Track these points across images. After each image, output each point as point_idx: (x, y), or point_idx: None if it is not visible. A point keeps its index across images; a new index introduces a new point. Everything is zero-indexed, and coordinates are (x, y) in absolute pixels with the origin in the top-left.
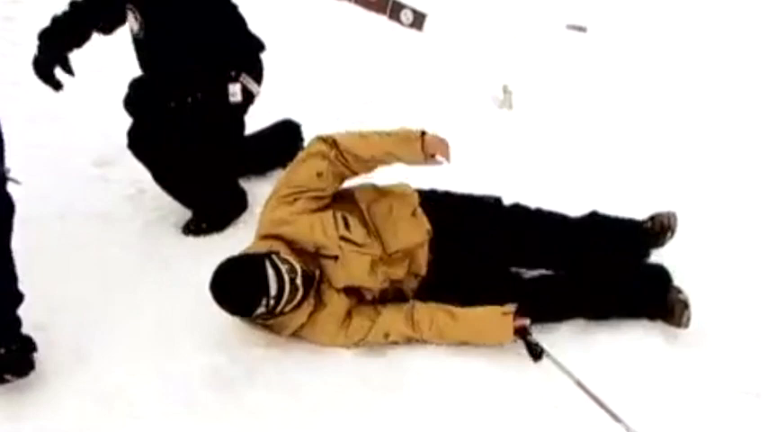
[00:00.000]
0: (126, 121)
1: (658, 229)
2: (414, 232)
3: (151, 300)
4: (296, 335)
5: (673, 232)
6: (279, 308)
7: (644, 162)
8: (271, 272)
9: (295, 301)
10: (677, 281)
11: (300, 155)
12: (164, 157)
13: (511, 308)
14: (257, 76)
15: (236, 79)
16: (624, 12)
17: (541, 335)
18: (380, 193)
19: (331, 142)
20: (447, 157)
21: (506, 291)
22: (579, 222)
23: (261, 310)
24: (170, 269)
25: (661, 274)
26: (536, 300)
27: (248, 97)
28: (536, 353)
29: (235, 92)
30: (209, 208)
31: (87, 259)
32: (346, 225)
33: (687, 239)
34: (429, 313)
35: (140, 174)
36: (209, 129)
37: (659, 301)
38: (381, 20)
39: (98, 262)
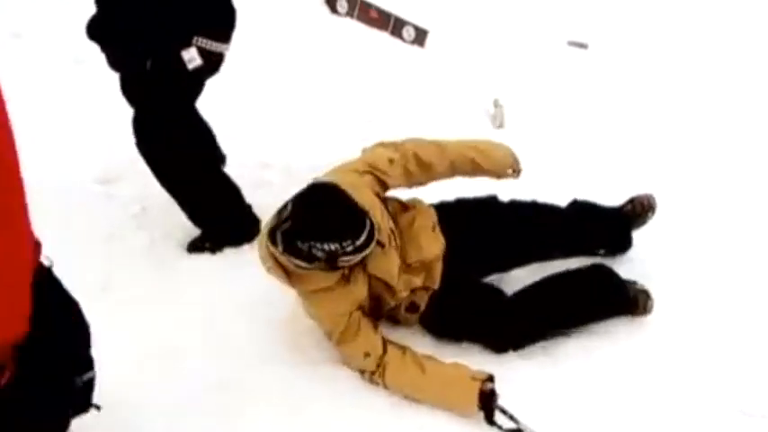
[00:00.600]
0: (129, 137)
1: (639, 210)
2: (434, 245)
3: (157, 317)
4: (304, 295)
5: (653, 211)
6: (345, 258)
7: (643, 183)
8: (368, 224)
9: (355, 261)
10: (678, 301)
11: (375, 144)
12: (158, 153)
13: (482, 374)
14: (220, 31)
15: (187, 44)
16: (626, 29)
17: (548, 347)
18: (403, 206)
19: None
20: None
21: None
22: (567, 210)
23: (332, 247)
24: (176, 287)
25: (611, 274)
26: (519, 321)
27: (212, 57)
28: (492, 422)
29: (191, 57)
30: (215, 225)
31: (91, 277)
32: (393, 223)
33: (685, 261)
34: (401, 360)
35: (144, 190)
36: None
37: (623, 297)
38: (383, 36)
39: (103, 280)
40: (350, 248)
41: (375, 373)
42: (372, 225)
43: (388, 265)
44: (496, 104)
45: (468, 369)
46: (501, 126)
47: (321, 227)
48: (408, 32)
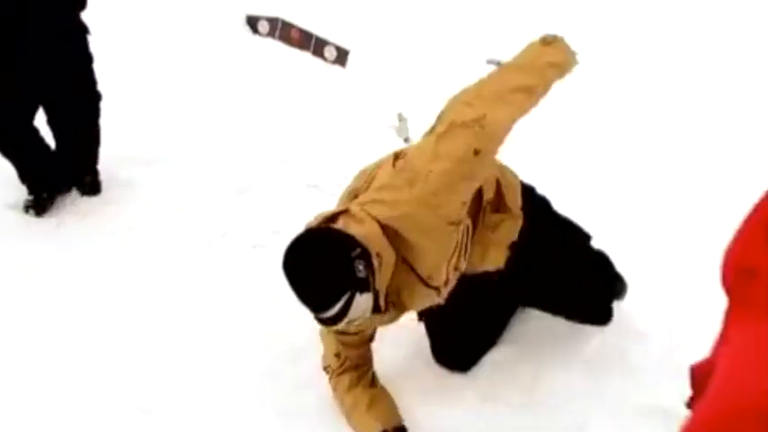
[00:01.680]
0: None
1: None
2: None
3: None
4: None
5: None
6: (320, 322)
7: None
8: (344, 300)
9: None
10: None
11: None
12: None
13: (394, 423)
14: None
15: None
16: None
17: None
18: (499, 205)
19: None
20: None
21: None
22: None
23: (307, 309)
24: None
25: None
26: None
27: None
28: None
29: None
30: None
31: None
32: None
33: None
34: (349, 383)
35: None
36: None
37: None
38: (305, 56)
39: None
40: (318, 317)
41: (332, 376)
42: (351, 300)
43: (429, 301)
44: (400, 118)
45: (386, 421)
46: (407, 140)
47: (294, 285)
48: (330, 52)
